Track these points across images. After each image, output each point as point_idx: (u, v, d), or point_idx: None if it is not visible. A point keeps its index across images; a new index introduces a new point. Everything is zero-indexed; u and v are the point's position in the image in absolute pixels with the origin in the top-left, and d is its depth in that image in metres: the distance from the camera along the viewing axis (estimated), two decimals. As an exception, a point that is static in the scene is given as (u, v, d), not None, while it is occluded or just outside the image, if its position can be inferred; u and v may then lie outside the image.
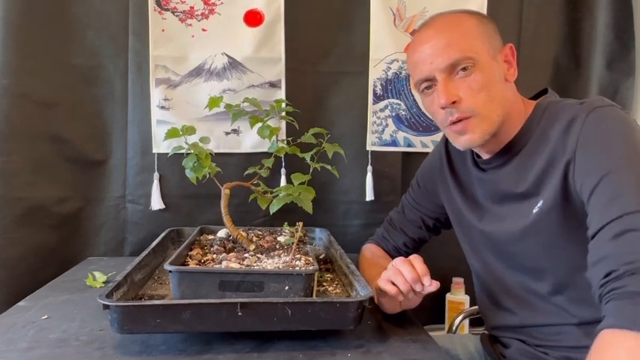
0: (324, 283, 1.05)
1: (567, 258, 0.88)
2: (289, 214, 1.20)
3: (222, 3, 1.48)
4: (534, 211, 0.88)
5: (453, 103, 0.89)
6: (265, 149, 1.28)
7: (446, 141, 1.11)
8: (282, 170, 1.52)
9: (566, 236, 0.87)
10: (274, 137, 1.12)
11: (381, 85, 1.56)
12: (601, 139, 0.81)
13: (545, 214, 0.87)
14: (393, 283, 0.89)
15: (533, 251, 0.91)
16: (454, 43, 0.89)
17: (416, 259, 0.90)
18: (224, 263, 0.92)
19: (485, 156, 1.00)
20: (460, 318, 1.34)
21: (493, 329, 1.07)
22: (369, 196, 1.56)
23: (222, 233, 1.15)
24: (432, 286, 0.87)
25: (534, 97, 1.00)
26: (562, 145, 0.85)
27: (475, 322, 1.49)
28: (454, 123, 0.91)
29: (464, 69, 0.89)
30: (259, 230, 1.24)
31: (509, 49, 0.95)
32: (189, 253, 1.00)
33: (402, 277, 0.88)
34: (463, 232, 1.08)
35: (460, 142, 0.94)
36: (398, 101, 1.57)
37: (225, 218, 1.04)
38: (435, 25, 0.94)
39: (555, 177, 0.85)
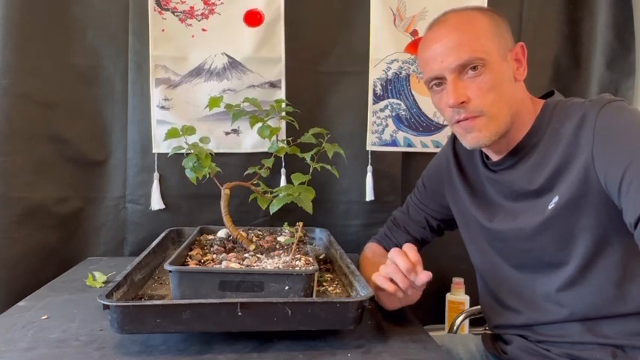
0: (324, 283, 1.05)
1: (583, 252, 0.89)
2: (289, 214, 1.20)
3: (222, 3, 1.48)
4: (550, 207, 0.89)
5: (462, 103, 0.90)
6: (265, 149, 1.28)
7: (453, 141, 1.12)
8: (282, 170, 1.52)
9: (583, 230, 0.88)
10: (274, 137, 1.12)
11: (381, 85, 1.56)
12: (619, 131, 0.83)
13: (561, 209, 0.88)
14: (392, 280, 0.89)
15: (549, 246, 0.92)
16: (465, 44, 0.90)
17: (409, 249, 0.90)
18: (224, 263, 0.92)
19: (494, 157, 1.00)
20: (461, 318, 1.34)
21: (496, 328, 1.07)
22: (369, 196, 1.56)
23: (222, 233, 1.14)
24: (422, 276, 0.87)
25: (541, 99, 1.00)
26: (576, 142, 0.86)
27: (475, 322, 1.49)
28: (461, 121, 0.93)
29: (473, 69, 0.89)
30: (259, 230, 1.24)
31: (519, 48, 0.95)
32: (189, 253, 1.00)
33: (401, 273, 0.88)
34: (470, 232, 1.08)
35: (467, 140, 0.95)
36: (398, 101, 1.56)
37: (225, 218, 1.04)
38: (447, 23, 0.94)
39: (572, 173, 0.86)
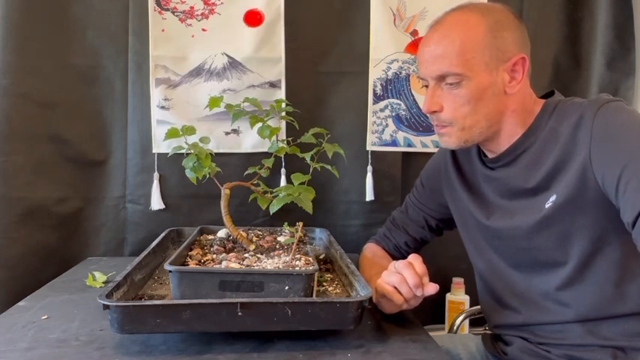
0: (324, 283, 1.05)
1: (580, 251, 0.89)
2: (289, 214, 1.20)
3: (222, 3, 1.48)
4: (547, 205, 0.89)
5: (434, 111, 0.94)
6: (265, 149, 1.28)
7: None
8: (282, 170, 1.52)
9: (580, 229, 0.88)
10: (274, 137, 1.12)
11: (381, 85, 1.56)
12: (616, 131, 0.83)
13: (558, 208, 0.88)
14: (397, 289, 0.89)
15: (546, 245, 0.92)
16: (447, 56, 0.91)
17: (416, 260, 0.90)
18: (224, 263, 0.92)
19: (490, 155, 1.00)
20: (461, 318, 1.34)
21: (495, 327, 1.07)
22: (369, 196, 1.56)
23: (222, 233, 1.14)
24: (430, 288, 0.88)
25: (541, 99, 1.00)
26: (574, 142, 0.87)
27: (475, 322, 1.49)
28: (436, 125, 0.97)
29: (452, 81, 0.91)
30: (259, 230, 1.24)
31: (519, 60, 0.91)
32: (189, 253, 1.00)
33: (407, 285, 0.88)
34: (468, 231, 1.08)
35: (441, 142, 1.00)
36: (398, 101, 1.57)
37: (225, 218, 1.04)
38: (440, 28, 0.94)
39: (569, 172, 0.87)
